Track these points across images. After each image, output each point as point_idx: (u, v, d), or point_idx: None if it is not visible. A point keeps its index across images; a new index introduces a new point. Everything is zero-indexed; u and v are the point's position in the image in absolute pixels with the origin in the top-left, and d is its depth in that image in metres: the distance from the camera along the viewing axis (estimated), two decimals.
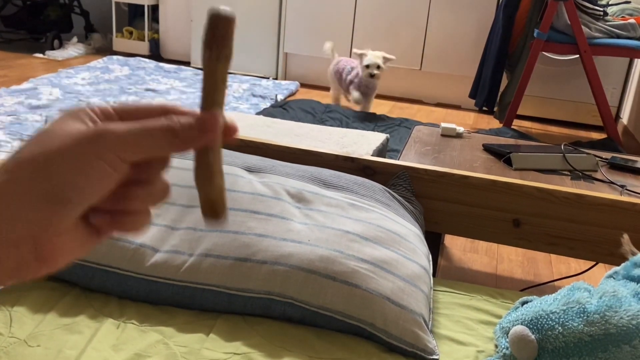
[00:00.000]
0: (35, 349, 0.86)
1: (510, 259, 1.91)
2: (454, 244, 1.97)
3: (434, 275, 1.17)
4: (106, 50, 4.70)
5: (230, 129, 0.39)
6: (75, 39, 4.66)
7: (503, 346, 0.94)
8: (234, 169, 1.20)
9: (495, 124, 3.59)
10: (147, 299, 1.02)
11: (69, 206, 0.34)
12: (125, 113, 0.38)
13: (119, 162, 0.35)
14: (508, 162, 1.64)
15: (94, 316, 0.96)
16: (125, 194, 0.37)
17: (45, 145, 0.34)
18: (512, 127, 3.35)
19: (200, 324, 0.97)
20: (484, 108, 3.78)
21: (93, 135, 0.35)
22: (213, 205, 0.38)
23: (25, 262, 0.34)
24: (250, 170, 1.23)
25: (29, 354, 0.85)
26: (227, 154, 1.27)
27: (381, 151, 1.76)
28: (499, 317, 1.06)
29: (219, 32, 0.36)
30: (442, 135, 1.87)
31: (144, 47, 4.59)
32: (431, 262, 1.15)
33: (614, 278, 0.98)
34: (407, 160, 1.54)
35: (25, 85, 3.44)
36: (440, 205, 1.34)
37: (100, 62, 4.19)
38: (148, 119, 0.37)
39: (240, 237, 1.03)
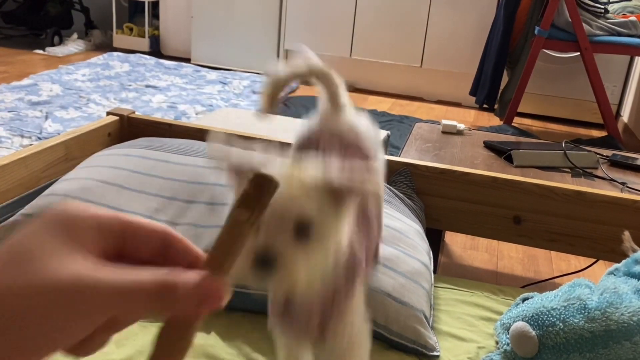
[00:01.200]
0: None
1: (511, 256, 1.91)
2: (454, 241, 1.97)
3: (434, 272, 1.17)
4: (106, 46, 4.69)
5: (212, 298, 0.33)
6: (75, 36, 4.66)
7: (504, 342, 0.94)
8: None
9: (495, 121, 3.59)
10: None
11: (36, 356, 0.30)
12: (122, 231, 0.33)
13: (101, 318, 0.31)
14: (509, 159, 1.64)
15: None
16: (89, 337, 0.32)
17: (23, 281, 0.29)
18: (513, 124, 3.35)
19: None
20: (485, 105, 3.78)
21: (79, 288, 0.30)
22: None
23: None
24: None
25: None
26: None
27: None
28: (500, 313, 1.06)
29: (264, 199, 0.33)
30: (443, 132, 1.87)
31: (144, 43, 4.58)
32: (432, 259, 1.15)
33: (614, 275, 0.98)
34: (408, 157, 1.54)
35: (25, 81, 3.44)
36: (441, 202, 1.34)
37: (100, 58, 4.18)
38: (145, 251, 0.33)
39: None
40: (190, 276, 0.32)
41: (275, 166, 0.64)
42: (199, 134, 1.43)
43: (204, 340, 0.92)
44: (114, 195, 1.10)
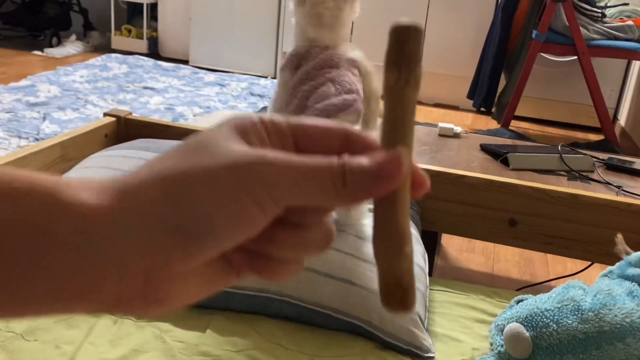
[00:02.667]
0: (32, 343, 0.87)
1: (507, 259, 1.91)
2: (451, 243, 1.97)
3: (430, 274, 1.18)
4: (104, 48, 4.70)
5: (419, 181, 0.30)
6: (73, 37, 4.66)
7: (498, 344, 0.95)
8: None
9: (493, 124, 3.60)
10: None
11: (197, 247, 0.27)
12: (300, 131, 0.30)
13: (271, 203, 0.27)
14: (505, 162, 1.65)
15: None
16: (270, 236, 0.29)
17: (187, 163, 0.28)
18: (510, 128, 3.36)
19: (196, 320, 0.97)
20: (482, 109, 3.78)
21: (245, 165, 0.27)
22: (404, 292, 0.29)
23: (128, 298, 0.27)
24: None
25: (26, 348, 0.86)
26: None
27: None
28: (495, 315, 1.07)
29: (408, 47, 0.28)
30: (440, 135, 1.88)
31: (142, 45, 4.59)
32: (427, 261, 1.16)
33: (608, 277, 0.99)
34: None
35: (23, 82, 3.44)
36: (437, 205, 1.35)
37: (98, 60, 4.18)
38: (321, 152, 0.29)
39: None
40: (364, 157, 0.29)
41: None
42: None
43: (199, 339, 0.92)
44: None
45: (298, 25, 1.10)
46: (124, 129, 1.49)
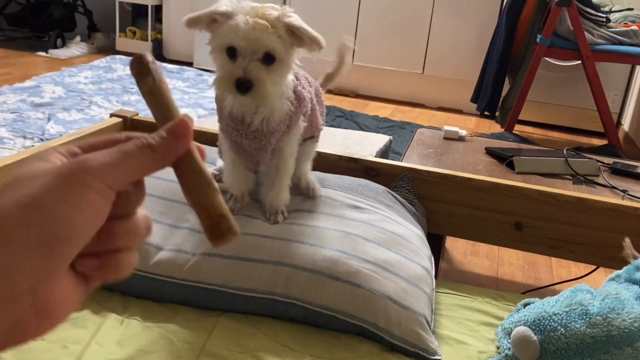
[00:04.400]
0: (40, 343, 0.87)
1: (511, 263, 1.91)
2: (455, 247, 1.97)
3: (435, 277, 1.17)
4: (109, 49, 4.71)
5: (199, 149, 0.38)
6: (78, 38, 4.67)
7: (505, 347, 0.94)
8: None
9: (496, 128, 3.60)
10: (150, 297, 1.03)
11: (65, 246, 0.31)
12: (90, 148, 0.36)
13: (108, 189, 0.33)
14: (510, 165, 1.65)
15: (98, 311, 0.97)
16: (108, 231, 0.35)
17: (26, 187, 0.32)
18: (514, 132, 3.36)
19: (203, 321, 0.97)
20: (486, 112, 3.78)
21: (75, 166, 0.33)
22: (227, 219, 0.35)
23: (23, 319, 0.30)
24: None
25: (34, 348, 0.86)
26: None
27: (384, 153, 1.77)
28: (501, 318, 1.06)
29: (152, 65, 0.39)
30: (445, 138, 1.88)
31: (146, 47, 4.59)
32: (433, 264, 1.16)
33: (615, 281, 0.99)
34: (410, 162, 1.54)
35: (28, 83, 3.45)
36: (442, 207, 1.35)
37: (103, 61, 4.19)
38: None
39: (243, 237, 1.04)
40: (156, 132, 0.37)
41: (245, 9, 0.92)
42: (202, 137, 1.43)
43: (206, 340, 0.92)
44: None
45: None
46: (130, 130, 1.49)
